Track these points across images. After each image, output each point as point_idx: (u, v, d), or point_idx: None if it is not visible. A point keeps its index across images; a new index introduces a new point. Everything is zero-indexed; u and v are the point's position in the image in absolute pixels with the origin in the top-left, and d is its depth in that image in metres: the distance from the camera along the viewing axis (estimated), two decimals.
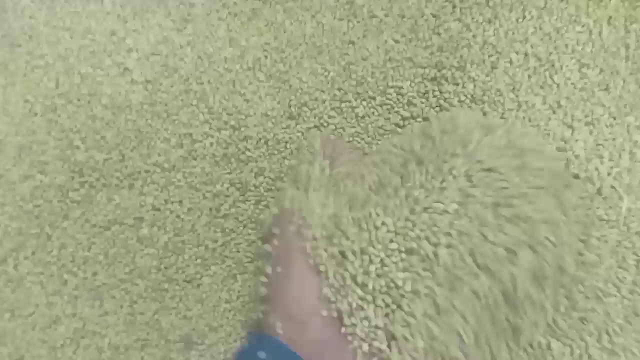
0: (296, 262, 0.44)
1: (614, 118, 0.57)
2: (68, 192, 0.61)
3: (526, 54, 0.59)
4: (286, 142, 0.61)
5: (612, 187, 0.53)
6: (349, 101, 0.61)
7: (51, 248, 0.60)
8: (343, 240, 0.44)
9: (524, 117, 0.56)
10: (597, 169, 0.54)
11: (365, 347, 0.42)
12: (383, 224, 0.44)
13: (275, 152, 0.61)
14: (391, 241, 0.43)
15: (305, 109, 0.61)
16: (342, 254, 0.44)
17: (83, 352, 0.58)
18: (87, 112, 0.63)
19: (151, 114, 0.62)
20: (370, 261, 0.43)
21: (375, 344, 0.42)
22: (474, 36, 0.60)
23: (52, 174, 0.62)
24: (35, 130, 0.63)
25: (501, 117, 0.56)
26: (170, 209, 0.60)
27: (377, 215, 0.44)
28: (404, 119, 0.60)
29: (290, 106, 0.61)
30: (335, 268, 0.43)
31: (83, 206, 0.61)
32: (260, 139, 0.61)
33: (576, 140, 0.55)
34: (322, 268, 0.44)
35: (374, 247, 0.43)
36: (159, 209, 0.60)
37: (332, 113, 0.61)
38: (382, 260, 0.43)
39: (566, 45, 0.59)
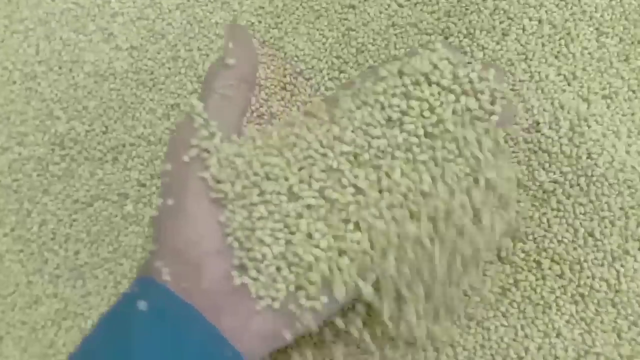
0: (192, 193, 0.37)
1: (633, 92, 0.53)
2: (48, 165, 0.58)
3: (540, 21, 0.54)
4: (280, 115, 0.57)
5: (632, 166, 0.49)
6: (348, 71, 0.57)
7: (31, 225, 0.57)
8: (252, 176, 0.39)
9: (536, 89, 0.52)
10: (614, 145, 0.50)
11: (277, 304, 0.37)
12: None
13: (269, 125, 0.57)
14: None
15: (300, 79, 0.57)
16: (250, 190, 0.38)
17: (65, 334, 0.55)
18: (69, 80, 0.59)
19: (136, 82, 0.58)
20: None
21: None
22: (484, 0, 0.55)
23: (31, 146, 0.58)
24: (14, 100, 0.59)
25: (512, 89, 0.52)
26: (156, 185, 0.57)
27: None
28: None
29: (284, 75, 0.57)
30: (241, 208, 0.38)
31: (64, 181, 0.58)
32: (252, 112, 0.57)
33: (592, 115, 0.51)
34: (224, 203, 0.38)
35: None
36: (144, 185, 0.57)
37: (330, 84, 0.57)
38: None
39: (583, 12, 0.55)
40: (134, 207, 0.57)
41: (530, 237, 0.50)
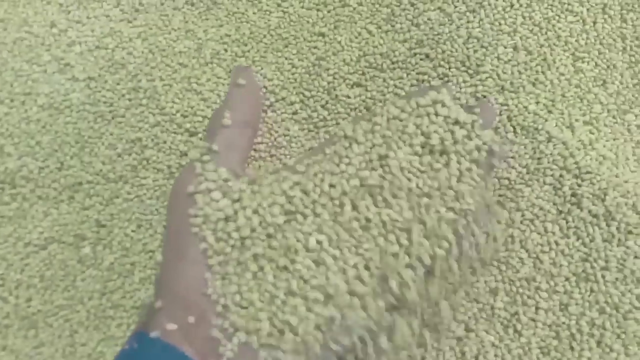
0: (187, 245, 0.40)
1: (613, 117, 0.51)
2: None
3: (515, 48, 0.53)
4: (252, 156, 0.54)
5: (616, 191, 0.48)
6: (317, 109, 0.54)
7: None
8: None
9: (516, 122, 0.50)
10: (599, 174, 0.48)
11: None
12: None
13: None
14: None
15: (270, 113, 0.54)
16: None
17: None
18: (21, 113, 0.56)
19: (94, 115, 0.55)
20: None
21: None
22: (457, 28, 0.53)
23: None
24: None
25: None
26: (118, 225, 0.53)
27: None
28: None
29: None
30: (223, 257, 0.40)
31: (15, 222, 0.54)
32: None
33: (579, 141, 0.49)
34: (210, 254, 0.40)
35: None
36: (104, 225, 0.53)
37: (301, 114, 0.54)
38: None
39: (558, 37, 0.54)
40: (92, 249, 0.53)
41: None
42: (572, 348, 0.46)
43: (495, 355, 0.46)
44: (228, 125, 0.44)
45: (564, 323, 0.46)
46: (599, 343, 0.45)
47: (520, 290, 0.47)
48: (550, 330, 0.46)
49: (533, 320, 0.47)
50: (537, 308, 0.47)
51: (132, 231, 0.53)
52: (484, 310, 0.48)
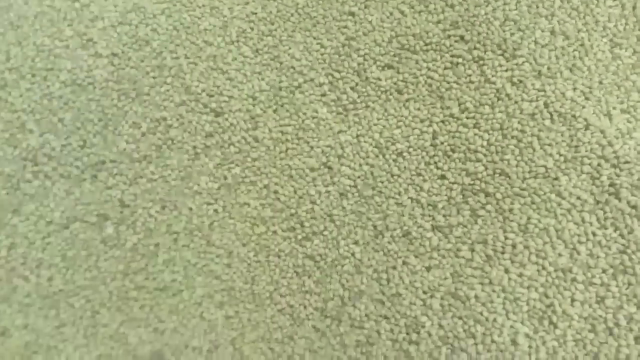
0: None
1: None
2: (19, 182, 0.53)
3: (552, 32, 0.51)
4: (279, 139, 0.52)
5: None
6: (346, 90, 0.52)
7: None
8: None
9: (552, 110, 0.48)
10: (638, 163, 0.47)
11: None
12: None
13: (266, 150, 0.52)
14: None
15: (298, 94, 0.53)
16: None
17: None
18: (43, 89, 0.54)
19: (118, 93, 0.54)
20: None
21: None
22: (493, 10, 0.52)
23: (0, 162, 0.53)
24: None
25: (520, 113, 0.48)
26: (142, 206, 0.52)
27: None
28: (407, 124, 0.51)
29: (280, 88, 0.53)
30: None
31: (37, 200, 0.52)
32: (248, 129, 0.52)
33: (616, 129, 0.48)
34: None
35: None
36: (127, 205, 0.52)
37: (330, 95, 0.53)
38: None
39: (597, 22, 0.52)
40: (115, 229, 0.52)
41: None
42: (608, 342, 0.45)
43: (530, 347, 0.45)
44: None
45: (600, 316, 0.45)
46: (637, 339, 0.44)
47: (557, 281, 0.46)
48: (586, 322, 0.45)
49: (567, 313, 0.46)
50: (572, 300, 0.46)
51: (156, 212, 0.52)
52: (518, 300, 0.46)
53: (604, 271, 0.46)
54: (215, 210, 0.51)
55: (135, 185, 0.52)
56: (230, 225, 0.51)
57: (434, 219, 0.48)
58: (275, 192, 0.51)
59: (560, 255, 0.46)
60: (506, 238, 0.47)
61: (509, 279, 0.47)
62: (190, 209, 0.51)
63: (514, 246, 0.47)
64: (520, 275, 0.46)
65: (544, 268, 0.46)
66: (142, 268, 0.51)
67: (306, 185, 0.50)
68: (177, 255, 0.51)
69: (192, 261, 0.51)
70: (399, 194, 0.49)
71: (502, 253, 0.47)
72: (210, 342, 0.50)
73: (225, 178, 0.52)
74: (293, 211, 0.50)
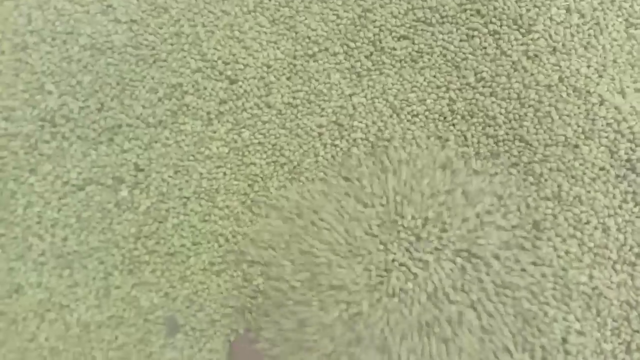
0: None
1: None
2: (37, 143, 0.53)
3: (568, 9, 0.51)
4: (290, 103, 0.53)
5: None
6: (360, 59, 0.53)
7: (15, 206, 0.53)
8: None
9: (567, 85, 0.49)
10: None
11: None
12: None
13: (277, 113, 0.53)
14: None
15: (312, 63, 0.53)
16: None
17: (48, 327, 0.51)
18: (62, 52, 0.55)
19: (136, 58, 0.54)
20: None
21: None
22: None
23: (19, 122, 0.54)
24: (2, 71, 0.55)
25: (536, 85, 0.49)
26: (155, 170, 0.53)
27: None
28: (422, 90, 0.52)
29: (295, 57, 0.54)
30: None
31: (54, 160, 0.53)
32: (261, 96, 0.53)
33: (631, 107, 0.48)
34: None
35: None
36: (142, 169, 0.53)
37: (344, 64, 0.53)
38: None
39: (612, 1, 0.52)
40: (130, 193, 0.52)
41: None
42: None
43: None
44: None
45: (634, 300, 0.44)
46: None
47: (597, 259, 0.46)
48: (621, 309, 0.45)
49: (607, 297, 0.45)
50: (611, 281, 0.45)
51: (169, 177, 0.53)
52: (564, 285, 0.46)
53: (630, 249, 0.45)
54: (224, 173, 0.52)
55: (150, 150, 0.53)
56: (235, 186, 0.52)
57: None
58: (281, 148, 0.51)
59: (595, 228, 0.46)
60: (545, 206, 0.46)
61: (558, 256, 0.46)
62: (201, 173, 0.52)
63: (554, 216, 0.46)
64: (566, 253, 0.46)
65: (583, 243, 0.46)
66: (153, 232, 0.52)
67: (312, 141, 0.51)
68: (185, 220, 0.52)
69: (199, 226, 0.51)
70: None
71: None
72: (223, 306, 0.50)
73: (236, 142, 0.52)
74: (296, 164, 0.51)
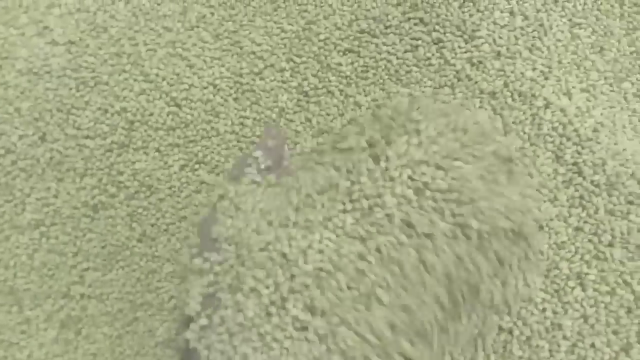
0: None
1: (610, 85, 0.50)
2: None
3: (511, 12, 0.51)
4: (239, 131, 0.52)
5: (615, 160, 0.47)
6: (307, 76, 0.52)
7: None
8: None
9: (512, 90, 0.49)
10: (599, 142, 0.47)
11: None
12: None
13: (225, 142, 0.52)
14: None
15: (259, 81, 0.52)
16: None
17: None
18: None
19: (76, 82, 0.53)
20: None
21: None
22: None
23: None
24: None
25: (480, 94, 0.49)
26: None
27: None
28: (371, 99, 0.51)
29: (241, 75, 0.53)
30: None
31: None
32: (210, 121, 0.52)
33: (576, 108, 0.48)
34: None
35: None
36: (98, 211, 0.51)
37: (292, 83, 0.52)
38: None
39: (555, 2, 0.52)
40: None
41: None
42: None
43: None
44: None
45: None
46: None
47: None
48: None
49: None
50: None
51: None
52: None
53: (582, 257, 0.45)
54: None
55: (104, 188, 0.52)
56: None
57: None
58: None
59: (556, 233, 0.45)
60: None
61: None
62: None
63: None
64: None
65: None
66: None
67: None
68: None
69: None
70: None
71: None
72: None
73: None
74: None
